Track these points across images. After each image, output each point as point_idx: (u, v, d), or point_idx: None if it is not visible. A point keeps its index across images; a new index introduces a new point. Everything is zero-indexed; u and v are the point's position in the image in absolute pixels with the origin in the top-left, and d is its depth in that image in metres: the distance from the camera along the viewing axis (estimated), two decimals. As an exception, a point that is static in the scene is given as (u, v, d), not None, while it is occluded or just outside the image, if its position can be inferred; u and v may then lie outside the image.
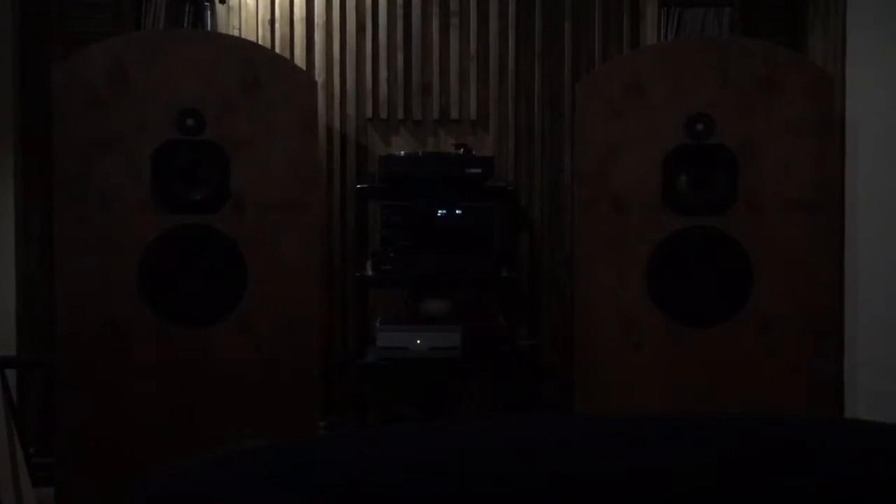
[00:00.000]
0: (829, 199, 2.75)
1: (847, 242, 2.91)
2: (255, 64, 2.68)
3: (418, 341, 2.97)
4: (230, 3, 3.27)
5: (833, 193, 2.78)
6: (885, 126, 2.89)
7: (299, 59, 3.29)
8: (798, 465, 0.92)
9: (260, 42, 3.24)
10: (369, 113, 3.35)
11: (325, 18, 3.32)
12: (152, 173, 2.64)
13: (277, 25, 3.31)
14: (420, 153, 3.21)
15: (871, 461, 0.94)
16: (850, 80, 2.93)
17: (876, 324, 2.89)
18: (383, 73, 3.34)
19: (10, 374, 2.85)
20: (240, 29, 3.28)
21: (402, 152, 3.20)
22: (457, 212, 3.09)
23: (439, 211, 3.09)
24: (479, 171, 3.03)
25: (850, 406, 2.90)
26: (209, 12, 3.20)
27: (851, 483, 0.92)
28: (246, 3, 3.29)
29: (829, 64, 2.98)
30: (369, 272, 3.03)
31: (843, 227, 2.90)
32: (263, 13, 3.30)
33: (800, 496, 0.90)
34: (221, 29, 3.23)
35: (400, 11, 3.33)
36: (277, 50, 3.25)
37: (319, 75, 3.31)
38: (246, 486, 0.87)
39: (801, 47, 3.16)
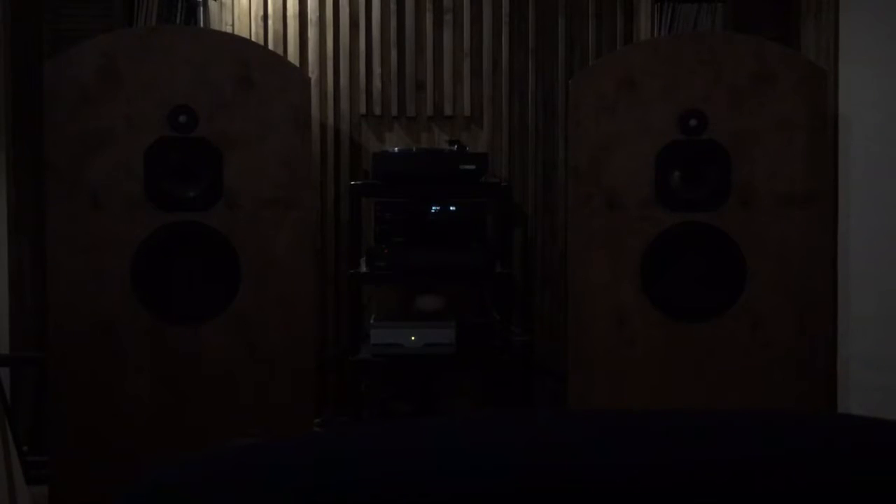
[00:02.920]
0: (822, 193, 2.75)
1: (840, 237, 2.92)
2: (248, 60, 2.68)
3: (412, 337, 2.97)
4: (223, 0, 3.26)
5: (826, 188, 2.79)
6: (877, 121, 2.90)
7: (292, 55, 3.29)
8: (791, 461, 0.93)
9: (253, 38, 3.23)
10: (363, 109, 3.34)
11: (318, 15, 3.32)
12: (145, 170, 2.64)
13: (270, 22, 3.30)
14: (414, 150, 3.21)
15: (863, 456, 0.94)
16: (842, 75, 2.93)
17: (868, 318, 2.90)
18: (377, 70, 3.34)
19: (3, 372, 2.84)
20: (233, 25, 3.27)
21: (396, 149, 3.20)
22: (450, 208, 3.09)
23: (433, 207, 3.09)
24: (473, 167, 3.03)
25: (843, 400, 2.91)
26: (202, 9, 3.19)
27: (844, 478, 0.92)
28: (238, -1, 3.28)
29: (821, 59, 2.98)
30: (363, 269, 3.03)
31: (835, 222, 2.91)
32: (256, 9, 3.29)
33: (793, 491, 0.91)
34: (214, 25, 3.22)
35: (393, 7, 3.33)
36: (270, 46, 3.25)
37: (312, 72, 3.30)
38: (238, 484, 0.87)
39: (794, 43, 3.16)
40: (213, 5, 3.24)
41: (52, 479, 2.67)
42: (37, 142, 2.75)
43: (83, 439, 2.65)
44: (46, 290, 2.68)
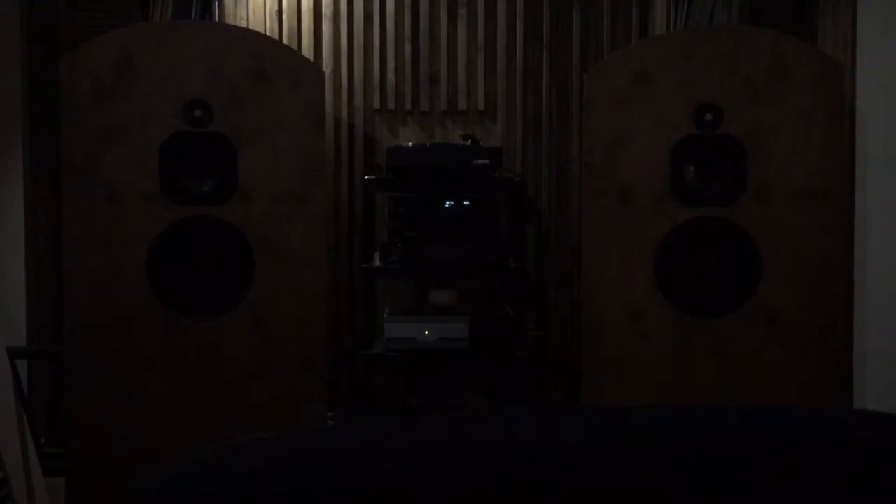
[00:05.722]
0: (838, 188, 2.74)
1: (856, 232, 2.90)
2: (263, 55, 2.69)
3: (426, 332, 2.97)
4: (237, -5, 3.27)
5: (842, 183, 2.77)
6: (894, 115, 2.87)
7: (307, 49, 3.29)
8: (806, 457, 0.92)
9: (267, 33, 3.24)
10: (377, 104, 3.34)
11: (332, 9, 3.32)
12: (160, 165, 2.65)
13: (285, 16, 3.30)
14: (427, 144, 3.20)
15: (879, 452, 0.94)
16: (860, 69, 2.91)
17: (885, 313, 2.88)
18: (391, 64, 3.34)
19: (21, 365, 2.86)
20: (247, 20, 3.27)
21: (410, 143, 3.20)
22: (464, 203, 3.09)
23: (447, 202, 3.09)
24: (487, 161, 3.02)
25: (859, 396, 2.89)
26: (217, 3, 3.19)
27: (860, 474, 0.91)
28: (253, -6, 3.29)
29: (839, 52, 2.96)
30: (377, 263, 3.03)
31: (852, 217, 2.89)
32: (271, 4, 3.29)
33: (808, 487, 0.90)
34: (229, 20, 3.23)
35: (407, 2, 3.32)
36: (285, 41, 3.25)
37: (327, 66, 3.30)
38: (253, 477, 0.88)
39: (811, 36, 3.14)
40: (227, 0, 3.25)
41: (68, 470, 2.70)
42: (53, 137, 2.77)
43: (99, 432, 2.67)
44: (63, 284, 2.70)
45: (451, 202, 3.08)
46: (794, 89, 2.69)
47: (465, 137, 3.18)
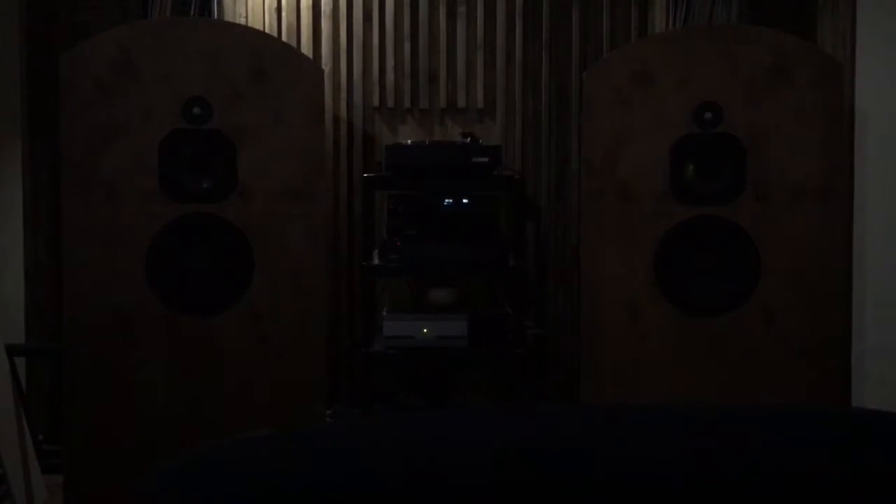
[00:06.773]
0: (838, 187, 2.74)
1: (855, 231, 2.90)
2: (262, 52, 2.68)
3: (425, 330, 2.97)
4: (237, -8, 3.27)
5: (841, 182, 2.77)
6: (894, 114, 2.87)
7: (306, 47, 3.29)
8: (805, 456, 0.92)
9: (266, 30, 3.23)
10: (376, 102, 3.34)
11: (331, 7, 3.32)
12: (159, 162, 2.65)
13: (284, 14, 3.30)
14: (427, 142, 3.20)
15: (878, 450, 0.94)
16: (859, 68, 2.91)
17: (883, 312, 2.89)
18: (390, 62, 3.33)
19: (20, 362, 2.86)
20: (246, 17, 3.27)
21: (409, 141, 3.20)
22: (463, 201, 3.09)
23: (446, 200, 3.08)
24: (486, 160, 3.02)
25: (857, 395, 2.90)
26: (215, 1, 3.19)
27: (860, 474, 0.91)
28: (252, -9, 3.28)
29: (838, 52, 2.96)
30: (376, 261, 3.03)
31: (851, 216, 2.89)
32: (270, 1, 3.29)
33: (806, 486, 0.90)
34: (228, 17, 3.23)
35: (407, 0, 3.32)
36: (284, 38, 3.25)
37: (326, 64, 3.30)
38: (252, 474, 0.88)
39: (811, 35, 3.14)
40: (227, -3, 3.24)
41: (66, 468, 2.69)
42: (52, 134, 2.76)
43: (98, 429, 2.67)
44: (62, 282, 2.69)
45: (451, 200, 3.08)
46: (794, 89, 2.69)
47: (465, 135, 3.18)
